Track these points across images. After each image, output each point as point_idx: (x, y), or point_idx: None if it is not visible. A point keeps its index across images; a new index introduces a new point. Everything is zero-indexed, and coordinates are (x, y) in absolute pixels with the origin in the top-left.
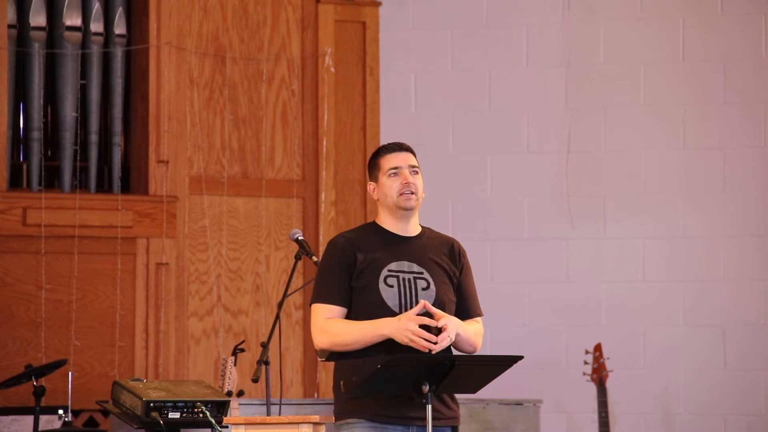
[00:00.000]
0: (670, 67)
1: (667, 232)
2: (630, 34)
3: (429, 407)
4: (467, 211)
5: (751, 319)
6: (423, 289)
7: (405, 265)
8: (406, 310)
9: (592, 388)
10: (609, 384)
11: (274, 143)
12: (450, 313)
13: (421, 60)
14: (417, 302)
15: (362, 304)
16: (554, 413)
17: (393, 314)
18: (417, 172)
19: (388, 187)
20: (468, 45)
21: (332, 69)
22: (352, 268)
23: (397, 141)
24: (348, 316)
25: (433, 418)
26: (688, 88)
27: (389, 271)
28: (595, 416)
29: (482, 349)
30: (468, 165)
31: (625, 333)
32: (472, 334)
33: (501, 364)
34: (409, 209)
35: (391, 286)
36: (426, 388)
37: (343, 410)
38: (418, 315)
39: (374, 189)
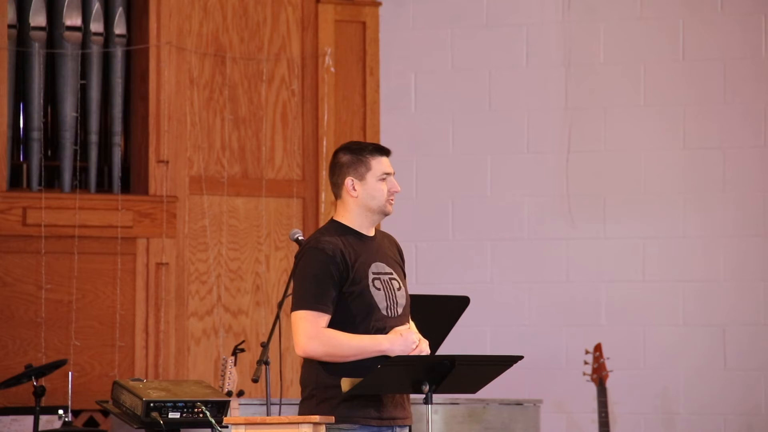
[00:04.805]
0: (670, 67)
1: (667, 232)
2: (630, 34)
3: (429, 407)
4: (467, 211)
5: (751, 319)
6: (397, 289)
7: (380, 266)
8: (392, 312)
9: (592, 388)
10: (609, 384)
11: (274, 143)
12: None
13: (421, 60)
14: (397, 303)
15: (357, 309)
16: (554, 413)
17: (384, 317)
18: None
19: (377, 190)
20: (468, 45)
21: (332, 69)
22: (345, 275)
23: (377, 143)
24: (341, 321)
25: (404, 417)
26: (688, 88)
27: (373, 273)
28: (595, 416)
29: (482, 349)
30: (468, 165)
31: (625, 333)
32: None
33: (501, 364)
34: (389, 214)
35: (379, 289)
36: (426, 388)
37: (334, 415)
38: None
39: (354, 186)
